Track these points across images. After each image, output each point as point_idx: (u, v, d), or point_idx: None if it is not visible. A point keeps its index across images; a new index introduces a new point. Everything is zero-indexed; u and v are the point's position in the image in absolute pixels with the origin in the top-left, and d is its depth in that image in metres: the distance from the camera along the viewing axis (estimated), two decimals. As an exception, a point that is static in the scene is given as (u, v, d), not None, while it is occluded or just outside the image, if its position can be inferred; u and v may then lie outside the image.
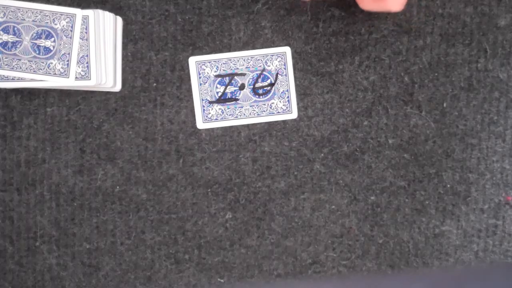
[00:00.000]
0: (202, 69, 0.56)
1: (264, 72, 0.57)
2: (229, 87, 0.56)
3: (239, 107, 0.56)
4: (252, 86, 0.56)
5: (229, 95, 0.56)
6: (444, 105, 0.67)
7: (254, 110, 0.57)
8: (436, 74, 0.67)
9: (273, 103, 0.57)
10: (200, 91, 0.56)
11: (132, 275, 0.68)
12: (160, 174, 0.67)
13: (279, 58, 0.58)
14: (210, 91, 0.56)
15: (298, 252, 0.67)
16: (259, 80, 0.57)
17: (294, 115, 0.58)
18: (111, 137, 0.67)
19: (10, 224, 0.67)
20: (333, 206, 0.67)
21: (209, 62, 0.57)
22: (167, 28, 0.66)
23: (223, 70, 0.57)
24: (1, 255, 0.68)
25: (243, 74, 0.56)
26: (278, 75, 0.57)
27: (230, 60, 0.57)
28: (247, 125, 0.64)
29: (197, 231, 0.67)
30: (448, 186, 0.67)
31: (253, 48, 0.65)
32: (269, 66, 0.57)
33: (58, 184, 0.67)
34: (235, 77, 0.56)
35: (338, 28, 0.66)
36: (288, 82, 0.58)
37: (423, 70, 0.67)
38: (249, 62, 0.57)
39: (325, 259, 0.67)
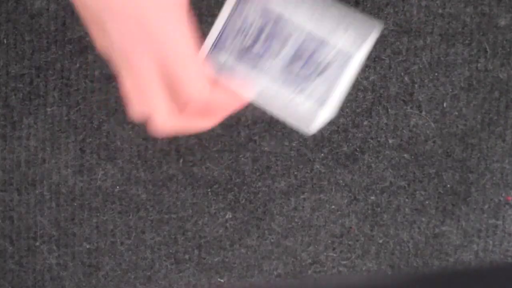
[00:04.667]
0: (243, 3, 0.38)
1: (309, 57, 0.38)
2: (260, 44, 0.38)
3: (257, 73, 0.38)
4: (288, 58, 0.38)
5: (256, 51, 0.38)
6: (444, 105, 0.67)
7: (271, 89, 0.38)
8: (436, 74, 0.67)
9: (296, 99, 0.38)
10: (224, 25, 0.39)
11: (132, 275, 0.68)
12: (160, 174, 0.67)
13: (354, 36, 0.36)
14: (236, 33, 0.39)
15: (298, 252, 0.67)
16: (298, 62, 0.37)
17: (310, 130, 0.38)
18: (111, 137, 0.67)
19: (10, 224, 0.67)
20: (333, 206, 0.67)
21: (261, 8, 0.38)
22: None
23: (272, 12, 0.38)
24: (1, 255, 0.68)
25: (289, 34, 0.37)
26: (329, 67, 0.37)
27: (281, 18, 0.37)
28: (247, 122, 0.63)
29: (197, 231, 0.67)
30: (448, 186, 0.67)
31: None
32: (332, 41, 0.37)
33: (58, 184, 0.67)
34: (277, 31, 0.37)
35: (338, 28, 0.66)
36: (340, 82, 0.37)
37: (423, 70, 0.67)
38: (314, 16, 0.37)
39: (325, 259, 0.67)
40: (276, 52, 0.38)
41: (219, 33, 0.38)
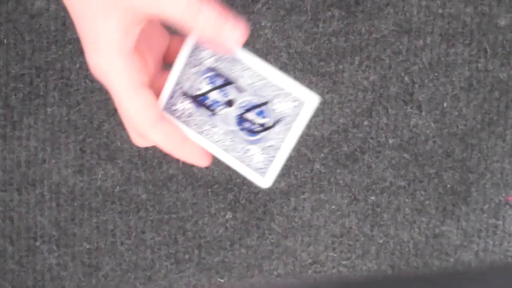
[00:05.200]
0: (200, 50, 0.40)
1: (265, 106, 0.40)
2: (216, 91, 0.40)
3: (210, 125, 0.40)
4: (241, 112, 0.39)
5: (209, 102, 0.40)
6: (444, 105, 0.67)
7: (225, 142, 0.40)
8: (436, 74, 0.67)
9: (250, 150, 0.40)
10: (181, 72, 0.40)
11: (132, 275, 0.68)
12: (160, 174, 0.67)
13: (295, 103, 0.39)
14: (193, 81, 0.40)
15: (298, 252, 0.67)
16: (254, 110, 0.39)
17: (265, 183, 0.39)
18: (111, 137, 0.67)
19: (10, 224, 0.67)
20: (333, 206, 0.67)
21: None
22: (167, 28, 0.66)
23: (222, 68, 0.40)
24: (1, 255, 0.68)
25: (241, 89, 0.39)
26: (280, 122, 0.39)
27: (239, 62, 0.39)
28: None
29: (197, 231, 0.67)
30: (448, 186, 0.67)
31: (253, 48, 0.65)
32: (277, 102, 0.39)
33: (58, 184, 0.67)
34: (230, 85, 0.40)
35: (338, 28, 0.66)
36: (285, 141, 0.39)
37: (423, 70, 0.67)
38: (258, 80, 0.40)
39: (325, 259, 0.67)
40: (230, 102, 0.39)
41: (177, 79, 0.39)
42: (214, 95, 0.39)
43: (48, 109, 0.66)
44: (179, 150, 0.38)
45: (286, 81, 0.38)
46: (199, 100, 0.39)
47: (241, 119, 0.39)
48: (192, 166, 0.67)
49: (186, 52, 0.39)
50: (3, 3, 0.65)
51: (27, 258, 0.67)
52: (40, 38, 0.65)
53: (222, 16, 0.35)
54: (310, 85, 0.66)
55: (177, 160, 0.67)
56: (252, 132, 0.39)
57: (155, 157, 0.67)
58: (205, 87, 0.39)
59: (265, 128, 0.39)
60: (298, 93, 0.38)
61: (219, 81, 0.39)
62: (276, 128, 0.39)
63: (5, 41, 0.65)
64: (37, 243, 0.67)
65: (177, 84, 0.40)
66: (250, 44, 0.65)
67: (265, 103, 0.39)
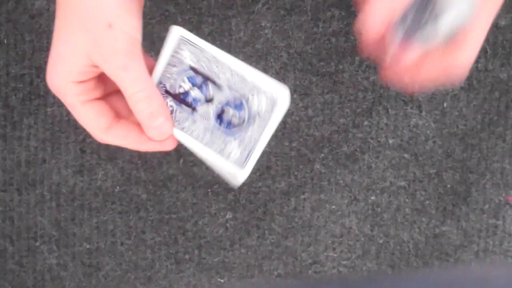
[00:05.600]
0: (181, 48, 0.42)
1: (242, 102, 0.41)
2: (196, 89, 0.42)
3: (191, 121, 0.42)
4: (220, 108, 0.41)
5: (190, 99, 0.42)
6: (444, 105, 0.67)
7: (204, 137, 0.42)
8: (436, 74, 0.67)
9: (229, 144, 0.41)
10: (163, 71, 0.41)
11: (132, 275, 0.68)
12: (160, 174, 0.67)
13: (270, 98, 0.41)
14: (174, 80, 0.42)
15: (298, 252, 0.67)
16: (232, 106, 0.41)
17: (240, 177, 0.41)
18: (111, 137, 0.67)
19: (10, 224, 0.67)
20: (333, 206, 0.67)
21: (194, 46, 0.41)
22: (167, 28, 0.66)
23: (202, 65, 0.42)
24: (1, 255, 0.68)
25: (219, 87, 0.41)
26: (256, 116, 0.41)
27: (216, 60, 0.41)
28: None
29: (197, 231, 0.67)
30: (448, 186, 0.67)
31: (253, 48, 0.65)
32: (253, 98, 0.41)
33: (58, 184, 0.67)
34: (209, 83, 0.42)
35: (338, 28, 0.66)
36: (261, 134, 0.41)
37: (423, 70, 0.67)
38: (235, 77, 0.41)
39: (325, 259, 0.67)
40: (209, 99, 0.42)
41: (159, 78, 0.42)
42: (195, 93, 0.42)
43: (48, 109, 0.66)
44: (140, 145, 0.41)
45: (260, 77, 0.41)
46: (181, 98, 0.42)
47: (220, 115, 0.42)
48: (192, 166, 0.67)
49: (167, 52, 0.42)
50: (3, 3, 0.65)
51: (27, 258, 0.67)
52: (40, 38, 0.65)
53: (158, 111, 0.39)
54: (310, 85, 0.66)
55: (177, 160, 0.67)
56: (230, 126, 0.42)
57: (155, 157, 0.67)
58: (186, 85, 0.42)
59: (242, 122, 0.42)
60: (271, 88, 0.40)
61: (199, 80, 0.42)
62: (253, 122, 0.41)
63: (5, 41, 0.65)
64: (37, 243, 0.67)
65: (159, 83, 0.42)
66: (250, 44, 0.65)
67: (242, 99, 0.41)
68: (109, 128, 0.40)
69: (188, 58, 0.42)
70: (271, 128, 0.41)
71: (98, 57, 0.37)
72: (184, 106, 0.42)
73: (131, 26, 0.38)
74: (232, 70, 0.41)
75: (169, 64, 0.42)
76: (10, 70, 0.66)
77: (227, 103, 0.42)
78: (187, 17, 0.66)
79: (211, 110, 0.42)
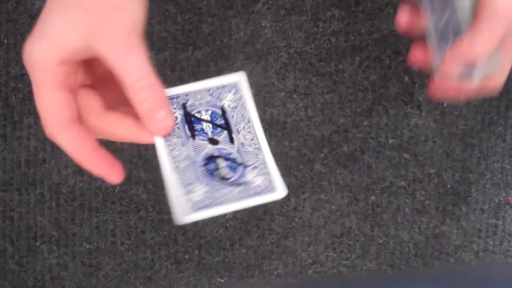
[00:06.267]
0: (229, 89, 0.39)
1: (242, 167, 0.38)
2: (211, 126, 0.39)
3: (181, 142, 0.39)
4: (216, 155, 0.39)
5: (197, 127, 0.39)
6: (444, 105, 0.67)
7: (181, 163, 0.40)
8: (436, 74, 0.67)
9: (194, 186, 0.39)
10: (198, 91, 0.39)
11: (132, 275, 0.68)
12: (160, 174, 0.67)
13: (266, 183, 0.38)
14: (199, 104, 0.39)
15: (298, 252, 0.67)
16: (228, 163, 0.39)
17: (183, 219, 0.38)
18: (111, 137, 0.67)
19: (10, 224, 0.67)
20: (333, 206, 0.67)
21: (239, 97, 0.39)
22: (167, 28, 0.66)
23: (233, 116, 0.39)
24: (1, 255, 0.68)
25: (232, 142, 0.39)
26: (242, 187, 0.38)
27: (248, 123, 0.39)
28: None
29: (197, 231, 0.67)
30: (448, 186, 0.67)
31: (253, 48, 0.65)
32: (253, 173, 0.39)
33: (58, 184, 0.67)
34: (226, 131, 0.39)
35: (338, 28, 0.66)
36: (233, 203, 0.38)
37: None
38: (251, 145, 0.39)
39: (325, 259, 0.67)
40: (214, 141, 0.39)
41: (189, 92, 0.40)
42: (206, 127, 0.39)
43: (48, 109, 0.66)
44: (86, 160, 0.38)
45: (270, 162, 0.38)
46: (191, 119, 0.39)
47: (210, 159, 0.39)
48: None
49: (217, 82, 0.39)
50: (3, 3, 0.65)
51: (27, 258, 0.67)
52: (40, 38, 0.65)
53: (161, 102, 0.36)
54: (310, 85, 0.66)
55: (177, 160, 0.67)
56: (211, 174, 0.39)
57: (155, 157, 0.67)
58: (205, 116, 0.39)
59: (226, 179, 0.38)
60: (273, 178, 0.38)
61: (219, 122, 0.39)
62: (235, 188, 0.38)
63: (5, 41, 0.65)
64: (37, 243, 0.67)
65: (185, 95, 0.39)
66: (250, 44, 0.65)
67: (244, 165, 0.38)
68: (67, 124, 0.37)
69: (228, 100, 0.39)
70: (245, 205, 0.38)
71: (97, 37, 0.34)
72: (186, 128, 0.39)
73: (138, 12, 0.35)
74: (254, 138, 0.39)
75: (208, 91, 0.39)
76: (10, 70, 0.66)
77: (227, 157, 0.39)
78: (187, 17, 0.66)
79: (207, 149, 0.39)
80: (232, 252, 0.67)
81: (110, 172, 0.39)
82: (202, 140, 0.39)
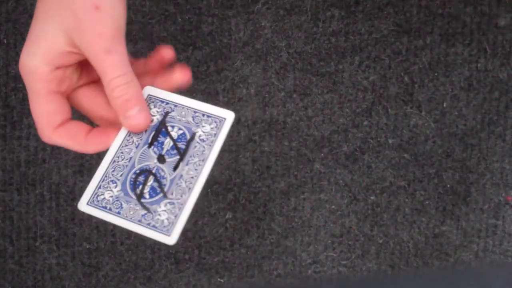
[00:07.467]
0: (209, 122, 0.39)
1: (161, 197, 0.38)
2: (172, 143, 0.39)
3: (135, 143, 0.40)
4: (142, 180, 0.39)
5: (161, 140, 0.40)
6: (444, 105, 0.67)
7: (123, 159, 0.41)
8: (436, 74, 0.67)
9: (111, 188, 0.40)
10: (189, 108, 0.39)
11: (132, 275, 0.68)
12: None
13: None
14: (180, 119, 0.40)
15: (298, 252, 0.67)
16: (154, 185, 0.39)
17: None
18: (111, 137, 0.67)
19: (10, 224, 0.67)
20: (333, 206, 0.67)
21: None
22: (167, 28, 0.66)
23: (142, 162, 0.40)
24: (1, 255, 0.68)
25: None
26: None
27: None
28: (247, 123, 0.63)
29: (197, 231, 0.67)
30: (448, 186, 0.67)
31: (253, 48, 0.65)
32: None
33: (58, 184, 0.67)
34: (182, 163, 0.39)
35: (338, 28, 0.66)
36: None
37: (423, 70, 0.67)
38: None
39: (325, 259, 0.67)
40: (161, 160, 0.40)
41: (184, 104, 0.41)
42: (168, 143, 0.40)
43: (48, 109, 0.66)
44: (85, 146, 0.40)
45: (187, 209, 0.38)
46: (161, 129, 0.40)
47: (145, 172, 0.39)
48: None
49: (208, 108, 0.39)
50: (3, 3, 0.65)
51: (27, 258, 0.67)
52: (40, 38, 0.65)
53: (135, 100, 0.38)
54: (310, 85, 0.66)
55: (177, 160, 0.67)
56: (133, 186, 0.40)
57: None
58: (173, 132, 0.40)
59: (138, 196, 0.39)
60: (176, 224, 0.37)
61: (181, 145, 0.39)
62: (139, 210, 0.39)
63: (5, 41, 0.65)
64: (37, 243, 0.67)
65: (175, 104, 0.40)
66: (250, 44, 0.65)
67: (165, 195, 0.38)
68: (60, 126, 0.39)
69: (203, 130, 0.40)
70: (137, 230, 0.38)
71: (81, 38, 0.36)
72: (152, 134, 0.39)
73: (118, 12, 0.37)
74: (193, 180, 0.39)
75: (194, 111, 0.40)
76: (10, 70, 0.66)
77: (159, 177, 0.39)
78: (187, 17, 0.66)
79: (150, 163, 0.39)
80: (232, 252, 0.67)
81: (104, 145, 0.41)
82: (154, 152, 0.39)
